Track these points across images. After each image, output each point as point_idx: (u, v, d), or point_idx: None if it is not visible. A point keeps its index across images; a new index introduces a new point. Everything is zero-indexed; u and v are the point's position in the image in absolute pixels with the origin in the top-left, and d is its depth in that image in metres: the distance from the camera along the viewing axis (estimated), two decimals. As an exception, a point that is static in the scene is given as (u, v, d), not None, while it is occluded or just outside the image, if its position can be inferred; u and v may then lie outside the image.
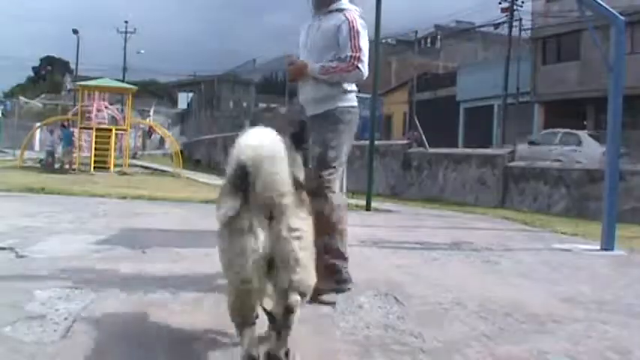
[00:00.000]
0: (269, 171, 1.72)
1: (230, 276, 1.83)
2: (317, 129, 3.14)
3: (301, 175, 2.19)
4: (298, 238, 1.84)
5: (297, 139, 2.31)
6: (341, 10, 3.21)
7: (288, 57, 3.32)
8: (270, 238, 1.79)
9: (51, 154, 18.40)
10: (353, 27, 3.15)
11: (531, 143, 17.14)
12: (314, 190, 2.85)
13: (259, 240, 1.77)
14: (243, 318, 1.83)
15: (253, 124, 2.41)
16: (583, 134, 17.34)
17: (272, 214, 1.79)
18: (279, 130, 2.13)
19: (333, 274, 2.94)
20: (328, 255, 2.91)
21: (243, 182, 1.75)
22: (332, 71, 3.13)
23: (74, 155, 18.01)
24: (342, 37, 3.13)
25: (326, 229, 2.86)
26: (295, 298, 1.86)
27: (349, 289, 3.00)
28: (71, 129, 18.70)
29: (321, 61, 3.14)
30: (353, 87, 3.30)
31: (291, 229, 1.82)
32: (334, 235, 2.98)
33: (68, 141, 18.39)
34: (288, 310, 1.85)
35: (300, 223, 1.87)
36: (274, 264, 1.80)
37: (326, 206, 2.96)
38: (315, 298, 2.57)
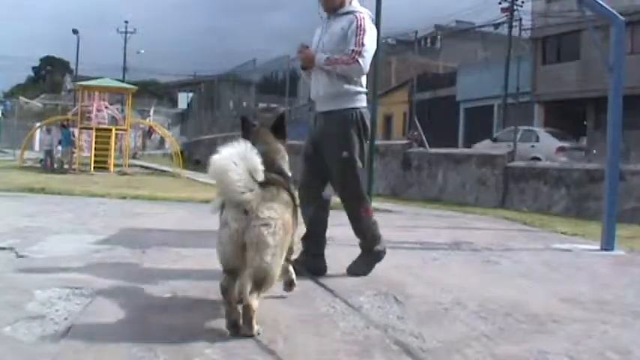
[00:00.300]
0: (222, 180, 2.20)
1: (218, 258, 2.27)
2: (328, 128, 3.33)
3: (285, 165, 2.62)
4: (266, 225, 2.20)
5: (277, 130, 2.69)
6: (352, 12, 3.37)
7: (302, 45, 3.42)
8: (244, 227, 2.19)
9: (49, 153, 18.40)
10: (360, 25, 3.29)
11: (493, 140, 18.35)
12: (347, 196, 3.46)
13: (232, 230, 2.19)
14: (224, 292, 2.22)
15: (246, 121, 2.85)
16: (541, 131, 18.81)
17: (246, 208, 2.19)
18: (266, 124, 2.75)
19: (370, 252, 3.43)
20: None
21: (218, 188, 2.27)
22: (334, 62, 3.27)
23: (74, 155, 18.01)
24: (349, 34, 3.29)
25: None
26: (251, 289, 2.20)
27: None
28: (70, 129, 18.70)
29: None
30: (363, 88, 3.43)
31: (259, 218, 2.20)
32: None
33: (67, 141, 18.38)
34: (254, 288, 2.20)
35: (270, 212, 2.23)
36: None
37: (360, 208, 3.48)
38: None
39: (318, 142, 3.40)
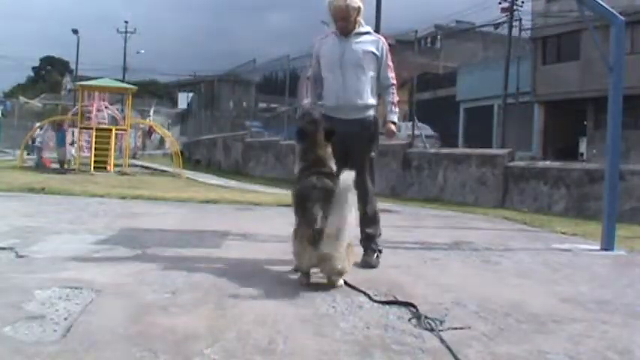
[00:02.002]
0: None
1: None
2: (356, 133, 3.77)
3: (333, 164, 3.40)
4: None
5: (326, 137, 3.42)
6: (369, 33, 3.87)
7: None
8: None
9: (39, 150, 18.38)
10: (388, 54, 3.91)
11: None
12: (372, 186, 3.88)
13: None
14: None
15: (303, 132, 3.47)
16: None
17: None
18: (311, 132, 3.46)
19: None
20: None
21: None
22: (396, 106, 4.09)
23: (74, 155, 18.01)
24: (381, 57, 3.86)
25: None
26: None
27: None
28: (63, 128, 18.72)
29: (353, 76, 3.77)
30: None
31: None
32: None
33: (61, 141, 18.40)
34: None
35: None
36: None
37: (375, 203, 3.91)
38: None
39: (349, 144, 3.76)
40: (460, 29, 39.64)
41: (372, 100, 3.85)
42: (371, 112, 3.87)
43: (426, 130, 21.54)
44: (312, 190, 3.14)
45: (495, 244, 5.15)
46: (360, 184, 3.59)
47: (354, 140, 3.76)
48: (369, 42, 3.82)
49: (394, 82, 3.97)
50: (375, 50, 3.81)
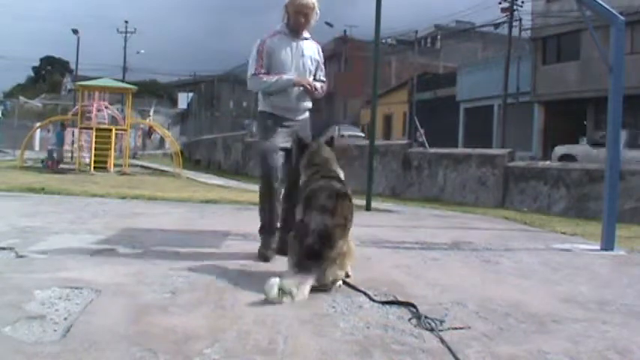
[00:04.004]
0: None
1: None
2: (300, 130, 3.96)
3: (338, 168, 3.53)
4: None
5: (329, 143, 3.63)
6: (310, 39, 4.08)
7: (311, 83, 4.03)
8: None
9: (51, 153, 18.38)
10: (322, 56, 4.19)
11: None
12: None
13: None
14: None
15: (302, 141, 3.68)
16: None
17: None
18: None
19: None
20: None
21: None
22: (321, 92, 4.11)
23: (74, 155, 18.01)
24: (320, 64, 4.13)
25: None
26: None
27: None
28: (58, 128, 18.78)
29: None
30: None
31: None
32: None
33: (60, 141, 18.41)
34: None
35: None
36: None
37: None
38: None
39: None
40: (460, 29, 39.67)
41: (311, 104, 4.15)
42: (308, 114, 4.14)
43: (353, 130, 24.83)
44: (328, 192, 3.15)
45: (495, 244, 5.15)
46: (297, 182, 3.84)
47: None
48: (314, 47, 4.08)
49: (325, 79, 4.21)
50: (317, 56, 4.09)
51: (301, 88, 3.94)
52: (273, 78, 3.87)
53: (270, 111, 3.96)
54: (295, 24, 3.91)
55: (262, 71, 3.90)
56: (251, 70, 3.94)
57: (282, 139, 3.91)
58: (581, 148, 17.35)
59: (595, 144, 16.25)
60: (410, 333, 2.39)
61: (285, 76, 3.89)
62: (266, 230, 3.91)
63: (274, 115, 3.95)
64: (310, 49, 4.03)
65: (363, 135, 24.03)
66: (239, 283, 3.10)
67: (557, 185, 10.17)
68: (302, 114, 4.07)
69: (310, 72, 4.02)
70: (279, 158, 3.88)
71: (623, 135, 17.77)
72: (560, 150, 18.23)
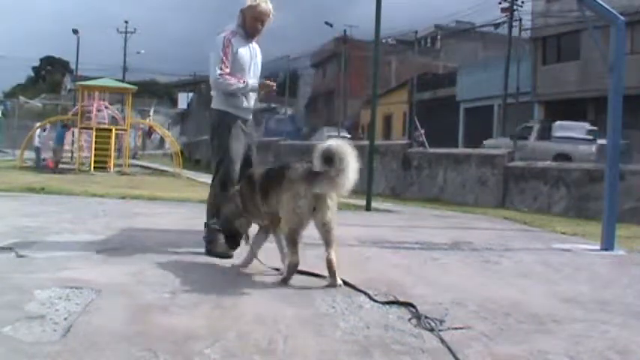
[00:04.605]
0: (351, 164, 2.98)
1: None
2: (253, 132, 4.34)
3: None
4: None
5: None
6: (256, 41, 4.25)
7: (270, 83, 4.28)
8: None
9: (38, 151, 18.35)
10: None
11: None
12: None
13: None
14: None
15: None
16: None
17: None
18: None
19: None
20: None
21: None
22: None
23: (74, 155, 18.01)
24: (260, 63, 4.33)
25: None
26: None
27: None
28: (59, 127, 18.73)
29: (256, 81, 4.21)
30: None
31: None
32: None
33: (60, 139, 18.38)
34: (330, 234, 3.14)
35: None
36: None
37: None
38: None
39: (250, 139, 4.24)
40: (460, 29, 39.67)
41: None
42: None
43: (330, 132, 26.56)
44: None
45: (495, 244, 5.15)
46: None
47: (253, 138, 4.31)
48: (259, 51, 4.31)
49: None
50: (261, 58, 4.33)
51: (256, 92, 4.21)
52: (240, 83, 4.05)
53: (233, 112, 4.12)
54: (252, 29, 4.10)
55: (227, 71, 4.03)
56: (217, 69, 4.05)
57: (243, 144, 4.14)
58: (503, 141, 19.10)
59: (512, 137, 18.35)
60: (410, 333, 2.39)
61: (250, 82, 4.11)
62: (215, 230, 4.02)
63: (234, 116, 4.11)
64: (259, 53, 4.29)
65: (348, 136, 25.11)
66: (239, 283, 3.10)
67: (557, 185, 10.17)
68: (252, 113, 4.35)
69: (260, 73, 4.30)
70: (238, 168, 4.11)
71: (535, 127, 18.78)
72: (488, 143, 20.08)
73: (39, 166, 17.55)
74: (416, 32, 40.14)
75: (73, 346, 2.07)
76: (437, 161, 12.54)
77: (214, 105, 4.21)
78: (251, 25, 4.07)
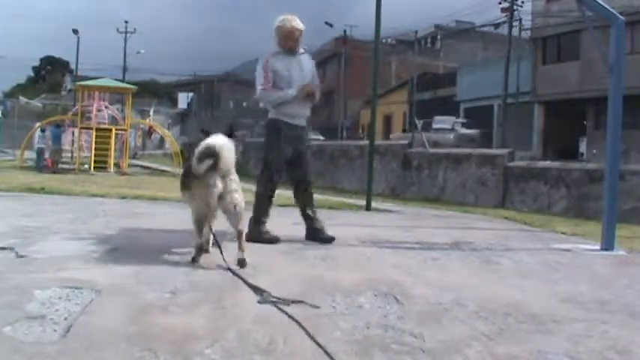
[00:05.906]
0: (227, 156, 3.47)
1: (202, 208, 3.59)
2: (304, 135, 4.74)
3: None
4: (236, 190, 3.61)
5: (229, 135, 3.84)
6: (304, 52, 4.72)
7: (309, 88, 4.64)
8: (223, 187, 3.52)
9: (41, 152, 18.32)
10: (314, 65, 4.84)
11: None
12: (311, 178, 4.82)
13: (218, 188, 3.49)
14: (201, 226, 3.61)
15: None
16: None
17: (228, 176, 3.56)
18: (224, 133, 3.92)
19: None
20: None
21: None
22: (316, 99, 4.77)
23: (74, 155, 17.99)
24: (314, 73, 4.76)
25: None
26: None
27: None
28: (60, 127, 18.70)
29: None
30: None
31: (233, 182, 3.60)
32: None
33: (57, 140, 18.36)
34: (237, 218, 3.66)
35: (235, 177, 3.65)
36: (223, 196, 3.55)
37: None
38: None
39: (301, 143, 4.68)
40: (460, 29, 39.68)
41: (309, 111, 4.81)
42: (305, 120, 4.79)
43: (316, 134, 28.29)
44: None
45: (495, 244, 5.15)
46: (305, 182, 4.68)
47: (303, 142, 4.71)
48: (309, 61, 4.73)
49: (318, 83, 4.85)
50: (313, 68, 4.74)
51: (304, 98, 4.57)
52: (280, 92, 4.50)
53: (283, 119, 4.58)
54: (287, 46, 4.54)
55: (269, 86, 4.50)
56: (259, 86, 4.54)
57: (288, 149, 4.60)
58: (405, 135, 22.98)
59: (424, 130, 19.90)
60: (410, 333, 2.39)
61: (290, 91, 4.50)
62: (258, 220, 4.58)
63: (283, 122, 4.57)
64: (306, 64, 4.67)
65: (322, 138, 27.84)
66: (239, 283, 3.10)
67: (557, 185, 10.17)
68: (304, 119, 4.73)
69: (315, 81, 4.72)
70: (281, 173, 4.66)
71: (419, 123, 20.58)
72: (393, 136, 24.37)
73: (39, 167, 17.54)
74: (416, 32, 40.10)
75: (73, 346, 2.08)
76: (437, 161, 12.54)
77: (269, 115, 4.69)
78: (284, 43, 4.53)
